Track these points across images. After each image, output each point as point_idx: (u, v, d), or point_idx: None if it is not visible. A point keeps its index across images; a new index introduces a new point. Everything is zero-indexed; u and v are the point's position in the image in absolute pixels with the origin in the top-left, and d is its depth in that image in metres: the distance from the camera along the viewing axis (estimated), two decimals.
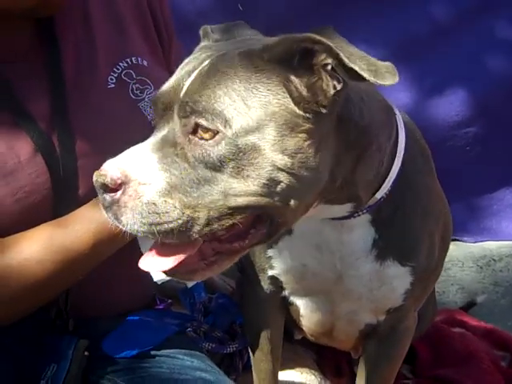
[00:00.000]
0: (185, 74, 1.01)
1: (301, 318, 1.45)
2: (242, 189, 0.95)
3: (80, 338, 1.39)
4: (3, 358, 1.38)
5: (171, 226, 0.95)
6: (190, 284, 1.44)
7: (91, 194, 1.22)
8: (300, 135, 0.96)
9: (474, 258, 2.53)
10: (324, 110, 0.96)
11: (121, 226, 0.99)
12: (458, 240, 2.58)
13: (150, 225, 0.95)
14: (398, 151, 1.14)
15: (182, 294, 1.86)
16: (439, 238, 1.30)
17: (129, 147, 1.32)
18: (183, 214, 0.95)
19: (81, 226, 1.29)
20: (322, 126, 0.98)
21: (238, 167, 0.94)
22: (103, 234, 1.29)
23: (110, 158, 1.01)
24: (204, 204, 0.95)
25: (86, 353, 1.38)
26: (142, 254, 1.34)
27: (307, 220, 1.11)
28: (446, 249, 1.37)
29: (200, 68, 0.99)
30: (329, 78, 0.94)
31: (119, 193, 0.97)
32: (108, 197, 0.98)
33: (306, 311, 1.41)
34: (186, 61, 1.06)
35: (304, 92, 0.96)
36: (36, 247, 1.26)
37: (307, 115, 0.96)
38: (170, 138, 0.99)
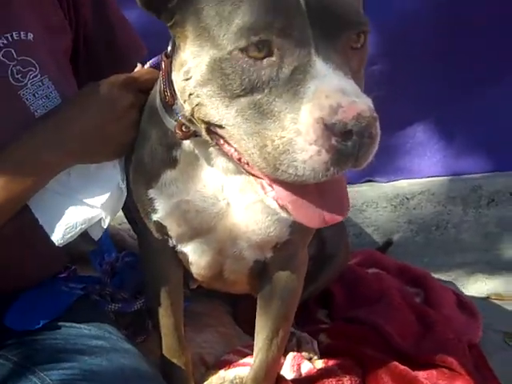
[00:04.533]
0: None
1: (190, 266, 1.39)
2: None
3: None
4: None
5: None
6: (97, 237, 1.37)
7: None
8: None
9: (387, 198, 2.53)
10: None
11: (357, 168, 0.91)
12: (371, 181, 2.58)
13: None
14: None
15: (92, 255, 1.80)
16: None
17: (7, 143, 1.20)
18: None
19: None
20: None
21: None
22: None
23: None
24: None
25: None
26: (43, 227, 1.28)
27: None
28: None
29: None
30: None
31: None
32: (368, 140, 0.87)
33: (194, 257, 1.35)
34: None
35: None
36: None
37: None
38: (339, 61, 0.90)
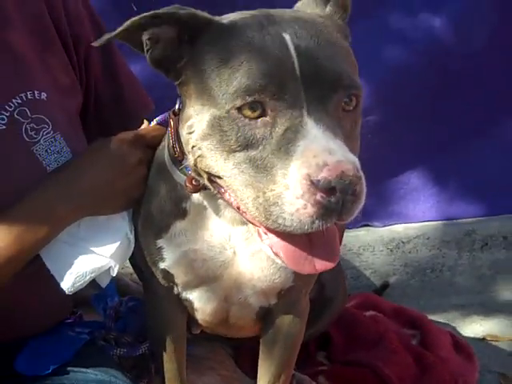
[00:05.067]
0: (279, 51, 0.99)
1: (195, 313, 1.43)
2: None
3: None
4: None
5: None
6: (104, 285, 1.42)
7: None
8: None
9: (383, 242, 2.59)
10: None
11: (339, 222, 0.97)
12: (368, 225, 2.64)
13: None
14: None
15: (95, 300, 1.82)
16: None
17: (20, 197, 1.25)
18: None
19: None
20: None
21: None
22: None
23: None
24: None
25: None
26: (50, 272, 1.32)
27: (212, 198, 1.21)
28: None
29: (300, 42, 0.99)
30: None
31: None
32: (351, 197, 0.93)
33: (200, 304, 1.40)
34: (253, 40, 1.01)
35: None
36: None
37: None
38: (330, 122, 0.97)
